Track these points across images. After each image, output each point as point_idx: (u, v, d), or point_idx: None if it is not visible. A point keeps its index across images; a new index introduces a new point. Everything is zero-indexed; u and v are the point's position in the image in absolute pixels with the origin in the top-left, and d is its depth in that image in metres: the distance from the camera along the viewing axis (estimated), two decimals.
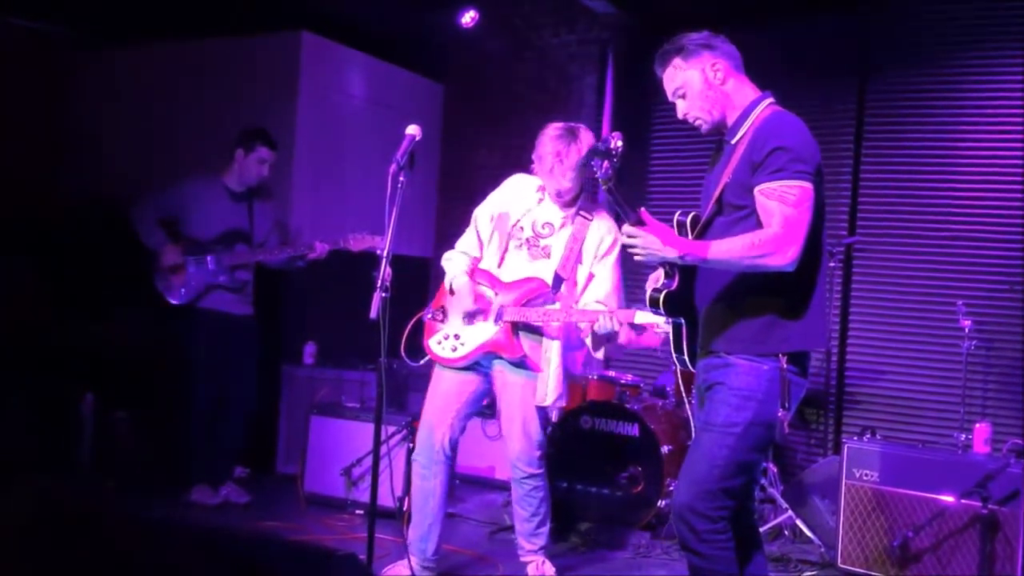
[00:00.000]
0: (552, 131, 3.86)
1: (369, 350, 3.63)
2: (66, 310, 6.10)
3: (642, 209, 2.86)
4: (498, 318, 3.87)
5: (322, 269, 5.20)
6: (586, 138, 3.83)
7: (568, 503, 5.01)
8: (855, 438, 4.50)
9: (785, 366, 2.82)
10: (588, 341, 3.90)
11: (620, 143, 2.81)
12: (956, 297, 5.03)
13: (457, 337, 3.92)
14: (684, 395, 4.98)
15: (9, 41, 6.48)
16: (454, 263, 4.02)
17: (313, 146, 6.19)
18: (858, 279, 5.74)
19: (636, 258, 2.88)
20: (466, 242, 4.08)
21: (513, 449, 3.95)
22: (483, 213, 4.06)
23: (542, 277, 3.89)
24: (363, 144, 6.46)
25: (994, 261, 5.34)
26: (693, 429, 3.19)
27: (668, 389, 5.39)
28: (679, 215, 3.03)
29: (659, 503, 4.80)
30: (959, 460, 4.22)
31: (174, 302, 5.03)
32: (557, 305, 3.86)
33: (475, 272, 4.01)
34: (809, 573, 4.40)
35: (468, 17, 6.49)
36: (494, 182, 4.17)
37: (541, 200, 3.96)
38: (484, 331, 3.89)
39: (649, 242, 2.82)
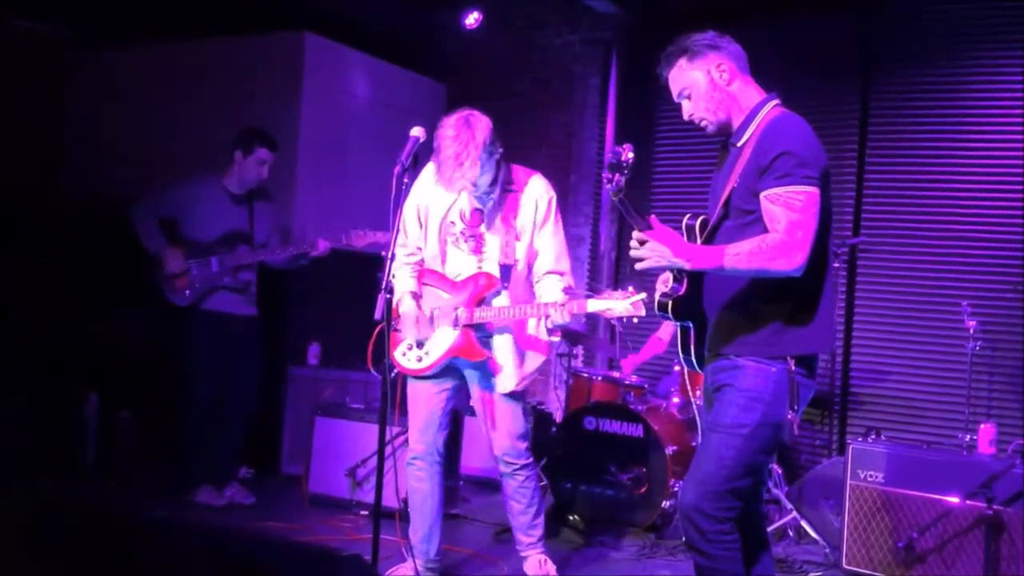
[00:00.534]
0: (447, 130, 3.57)
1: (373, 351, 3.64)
2: (66, 310, 6.11)
3: (652, 216, 2.84)
4: (456, 323, 3.78)
5: (326, 270, 5.20)
6: (481, 126, 3.57)
7: (572, 503, 5.01)
8: (860, 439, 4.50)
9: (793, 368, 2.82)
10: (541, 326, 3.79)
11: (632, 155, 2.74)
12: (960, 298, 5.01)
13: (420, 346, 3.85)
14: (690, 396, 4.98)
15: (9, 41, 6.48)
16: (400, 280, 3.86)
17: (316, 146, 6.18)
18: (862, 280, 5.73)
19: (642, 266, 2.83)
20: (403, 248, 3.88)
21: (499, 445, 3.93)
22: (408, 213, 3.86)
23: (489, 271, 3.78)
24: (366, 144, 6.45)
25: (999, 261, 5.33)
26: (700, 431, 3.19)
27: (672, 390, 5.38)
28: (688, 218, 3.01)
29: (663, 504, 4.79)
30: (964, 461, 4.22)
31: (179, 304, 5.02)
32: (504, 295, 3.75)
33: (423, 274, 3.91)
34: (814, 574, 4.40)
35: (472, 18, 6.49)
36: None
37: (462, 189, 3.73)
38: (446, 337, 3.80)
39: (660, 252, 2.79)
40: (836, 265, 5.15)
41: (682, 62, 2.95)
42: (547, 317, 3.60)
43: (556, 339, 4.08)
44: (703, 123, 2.99)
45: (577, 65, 6.83)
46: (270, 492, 5.33)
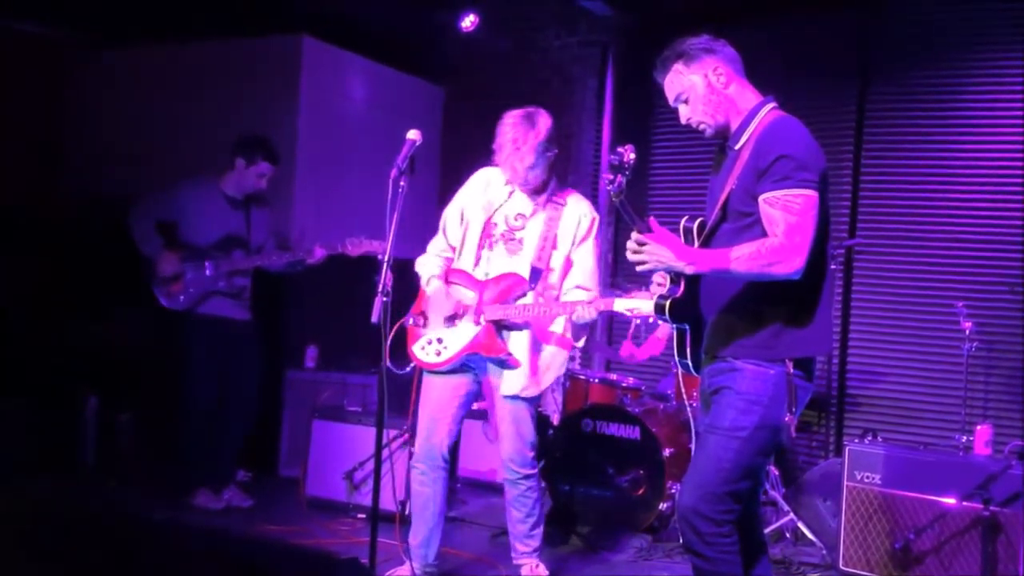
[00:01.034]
0: (509, 119, 3.81)
1: (371, 354, 3.64)
2: (66, 310, 6.11)
3: (651, 218, 2.84)
4: (478, 319, 3.83)
5: (323, 273, 5.20)
6: (543, 122, 3.78)
7: (569, 506, 5.01)
8: (856, 440, 4.50)
9: (791, 371, 2.82)
10: (566, 330, 3.88)
11: (633, 156, 2.74)
12: (957, 299, 5.03)
13: (440, 341, 3.87)
14: (685, 398, 4.99)
15: (9, 43, 6.49)
16: (426, 266, 3.98)
17: (314, 149, 6.18)
18: (859, 281, 5.75)
19: (642, 268, 2.84)
20: (437, 245, 4.04)
21: (506, 449, 3.93)
22: (452, 213, 4.00)
23: (519, 271, 3.85)
24: (364, 147, 6.46)
25: (995, 262, 5.34)
26: (693, 434, 3.19)
27: (669, 392, 5.39)
28: (686, 221, 3.01)
29: (660, 506, 4.79)
30: (960, 462, 4.22)
31: (174, 309, 5.02)
32: (531, 296, 3.81)
33: (450, 272, 3.96)
34: (811, 575, 4.41)
35: (468, 21, 6.48)
36: None
37: (512, 193, 3.92)
38: (466, 332, 3.85)
39: (661, 254, 2.79)
40: (832, 267, 5.14)
41: (678, 66, 2.95)
42: (574, 313, 3.67)
43: (580, 344, 4.10)
44: (701, 127, 2.99)
45: (575, 67, 6.84)
46: (268, 495, 5.32)
